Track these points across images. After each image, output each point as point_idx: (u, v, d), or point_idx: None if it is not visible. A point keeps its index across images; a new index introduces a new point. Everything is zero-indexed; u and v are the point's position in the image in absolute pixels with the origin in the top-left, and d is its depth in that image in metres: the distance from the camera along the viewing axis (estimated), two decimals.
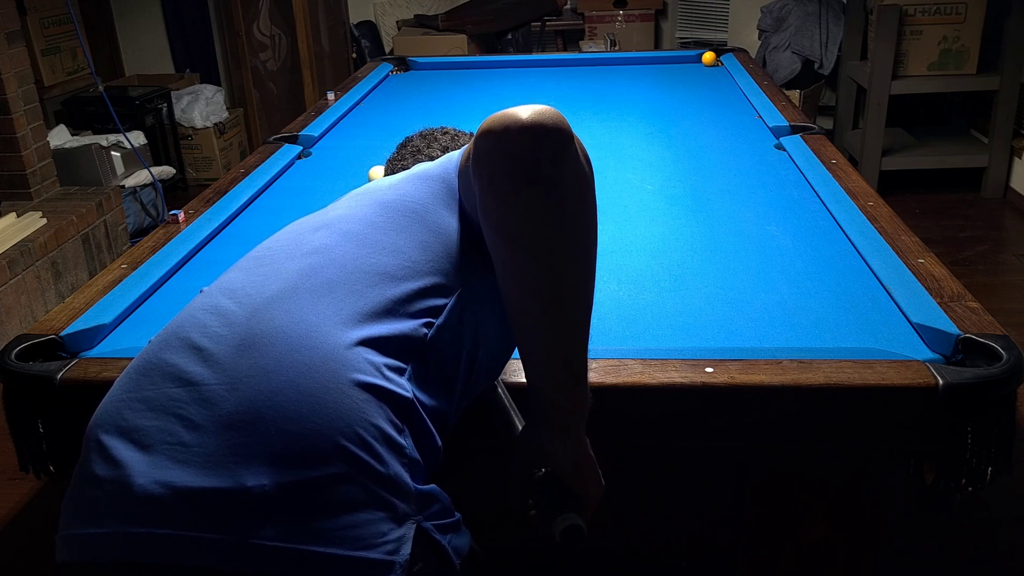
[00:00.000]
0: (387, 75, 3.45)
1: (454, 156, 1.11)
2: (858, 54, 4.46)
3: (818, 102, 4.89)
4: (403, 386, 0.91)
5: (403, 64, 3.59)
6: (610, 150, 2.36)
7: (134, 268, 1.64)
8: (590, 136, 2.49)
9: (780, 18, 4.75)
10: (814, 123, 2.54)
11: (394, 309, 0.95)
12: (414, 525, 0.87)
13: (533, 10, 5.20)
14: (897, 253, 1.56)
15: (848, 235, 1.69)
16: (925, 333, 1.31)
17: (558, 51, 5.71)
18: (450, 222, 1.05)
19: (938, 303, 1.37)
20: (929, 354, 1.26)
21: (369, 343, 0.91)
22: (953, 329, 1.28)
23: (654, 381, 1.19)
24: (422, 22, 5.46)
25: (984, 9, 3.92)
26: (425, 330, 0.96)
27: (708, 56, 3.40)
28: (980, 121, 4.38)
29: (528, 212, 0.90)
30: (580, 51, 5.41)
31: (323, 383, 0.86)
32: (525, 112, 0.89)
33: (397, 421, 0.89)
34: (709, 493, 1.35)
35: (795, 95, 4.52)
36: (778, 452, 1.26)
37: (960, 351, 1.24)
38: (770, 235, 1.74)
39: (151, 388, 0.89)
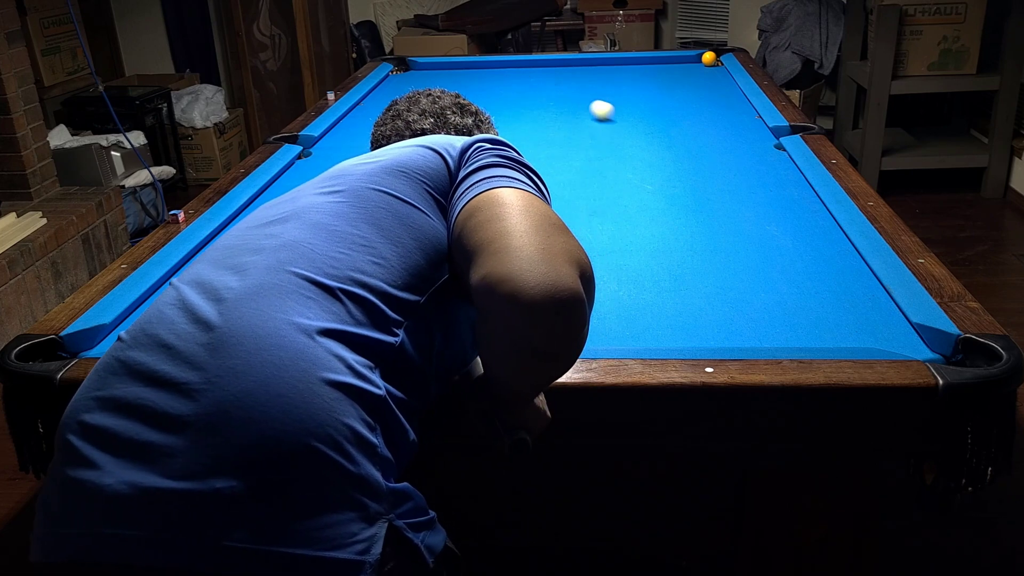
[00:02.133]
0: (387, 75, 3.45)
1: (435, 155, 1.10)
2: (858, 54, 4.46)
3: (818, 102, 4.89)
4: (375, 383, 0.91)
5: (403, 64, 3.59)
6: (610, 150, 2.36)
7: (134, 268, 1.64)
8: (590, 136, 2.49)
9: (780, 18, 4.75)
10: (814, 123, 2.54)
11: (365, 307, 0.94)
12: (386, 524, 0.87)
13: (533, 10, 5.20)
14: (897, 253, 1.56)
15: (848, 235, 1.69)
16: (925, 333, 1.31)
17: (558, 51, 5.71)
18: (424, 219, 1.04)
19: (938, 303, 1.37)
20: (929, 354, 1.26)
21: (340, 342, 0.90)
22: (953, 329, 1.28)
23: (654, 381, 1.19)
24: (422, 22, 5.46)
25: (984, 9, 3.92)
26: (396, 327, 0.96)
27: (708, 56, 3.40)
28: (980, 121, 4.38)
29: (524, 372, 0.97)
30: (580, 51, 5.41)
31: (293, 383, 0.85)
32: (536, 286, 0.86)
33: (369, 419, 0.89)
34: (709, 493, 1.34)
35: (795, 95, 4.52)
36: (778, 452, 1.26)
37: (960, 351, 1.24)
38: (770, 235, 1.74)
39: (119, 387, 0.88)
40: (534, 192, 1.03)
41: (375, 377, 0.91)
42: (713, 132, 2.50)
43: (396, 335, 0.95)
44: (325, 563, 0.82)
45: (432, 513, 0.96)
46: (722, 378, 1.19)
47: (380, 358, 0.93)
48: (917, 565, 1.94)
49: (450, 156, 1.11)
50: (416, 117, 1.37)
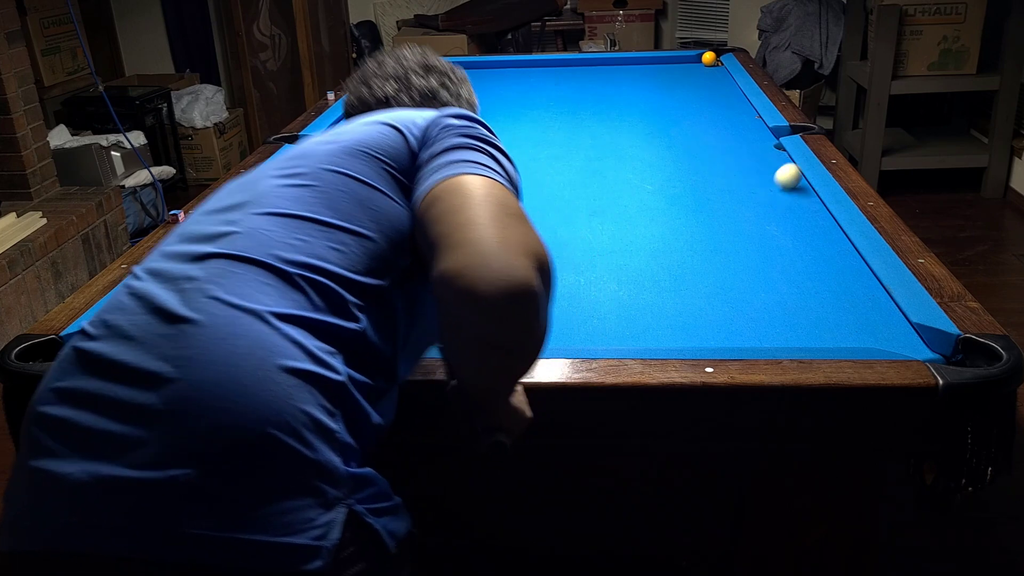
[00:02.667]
0: None
1: (396, 133, 1.08)
2: (858, 54, 4.46)
3: (818, 102, 4.89)
4: (335, 369, 0.91)
5: None
6: (610, 150, 2.36)
7: None
8: (590, 136, 2.49)
9: (780, 18, 4.75)
10: (814, 123, 2.54)
11: (325, 293, 0.94)
12: (345, 509, 0.88)
13: (533, 10, 5.20)
14: (897, 253, 1.56)
15: (848, 235, 1.69)
16: (925, 333, 1.31)
17: (558, 51, 5.71)
18: (386, 202, 1.03)
19: (938, 303, 1.37)
20: (929, 354, 1.26)
21: (299, 328, 0.91)
22: (953, 329, 1.28)
23: (654, 381, 1.19)
24: (422, 22, 5.46)
25: (984, 9, 3.92)
26: (358, 312, 0.96)
27: (708, 56, 3.40)
28: (980, 121, 4.38)
29: (483, 367, 0.96)
30: (580, 51, 5.41)
31: (251, 371, 0.86)
32: (488, 280, 0.85)
33: (329, 405, 0.89)
34: (709, 493, 1.34)
35: (795, 95, 4.52)
36: (778, 452, 1.26)
37: (960, 351, 1.24)
38: (770, 235, 1.74)
39: (79, 378, 0.89)
40: (498, 177, 1.01)
41: (336, 363, 0.92)
42: (713, 132, 2.50)
43: (358, 320, 0.96)
44: (281, 548, 0.83)
45: (397, 499, 0.97)
46: (722, 378, 1.19)
47: (342, 343, 0.94)
48: (917, 565, 1.94)
49: (411, 134, 1.09)
50: (379, 82, 1.33)
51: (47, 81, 4.33)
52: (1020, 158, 4.06)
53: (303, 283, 0.93)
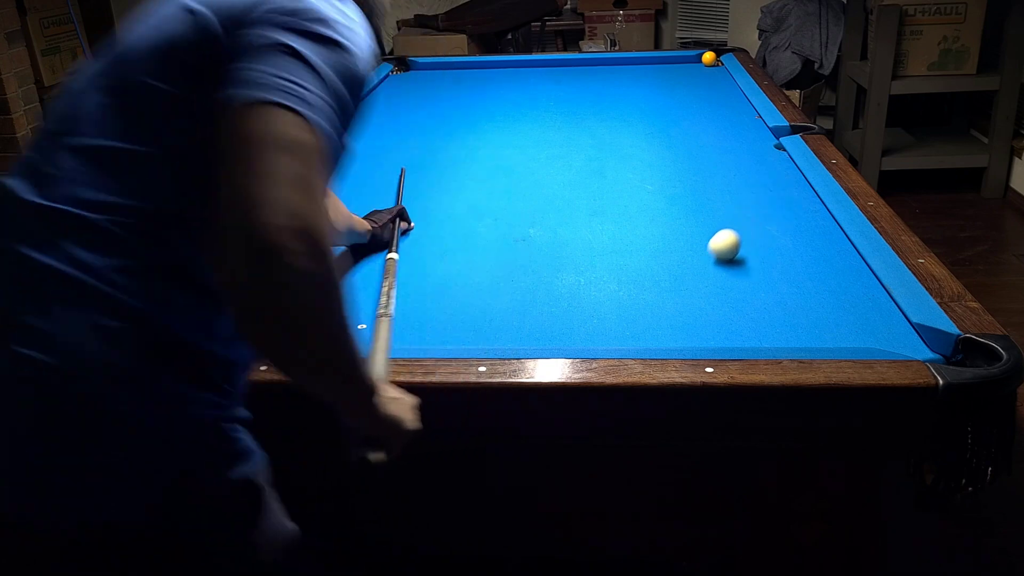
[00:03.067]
0: (387, 75, 3.45)
1: (195, 22, 0.96)
2: (858, 54, 4.46)
3: (818, 102, 4.89)
4: (156, 317, 0.92)
5: (403, 64, 3.59)
6: (610, 150, 2.36)
7: None
8: (590, 136, 2.49)
9: (780, 18, 4.75)
10: (814, 123, 2.54)
11: (141, 233, 0.93)
12: (178, 459, 0.93)
13: (533, 10, 5.19)
14: (897, 253, 1.56)
15: (848, 235, 1.70)
16: (925, 333, 1.31)
17: (558, 51, 5.70)
18: (201, 113, 0.93)
19: (938, 303, 1.37)
20: (929, 354, 1.26)
21: (119, 275, 0.91)
22: (953, 329, 1.28)
23: (654, 381, 1.19)
24: (422, 22, 5.46)
25: (984, 9, 3.92)
26: (182, 241, 0.94)
27: (708, 56, 3.40)
28: (980, 121, 4.38)
29: (260, 339, 0.89)
30: (580, 51, 5.41)
31: (70, 337, 0.89)
32: (237, 241, 0.82)
33: (155, 355, 0.91)
34: (708, 493, 1.35)
35: (795, 95, 4.52)
36: (777, 452, 1.26)
37: (960, 351, 1.24)
38: (770, 235, 1.74)
39: None
40: (303, 108, 0.89)
41: (163, 310, 0.92)
42: (713, 132, 2.50)
43: (183, 251, 0.94)
44: (103, 503, 0.91)
45: (244, 446, 0.99)
46: (722, 378, 1.19)
47: (174, 282, 0.94)
48: (917, 565, 1.94)
49: (218, 22, 0.96)
50: None
51: (47, 81, 4.33)
52: (1020, 158, 4.06)
53: (117, 228, 0.91)
